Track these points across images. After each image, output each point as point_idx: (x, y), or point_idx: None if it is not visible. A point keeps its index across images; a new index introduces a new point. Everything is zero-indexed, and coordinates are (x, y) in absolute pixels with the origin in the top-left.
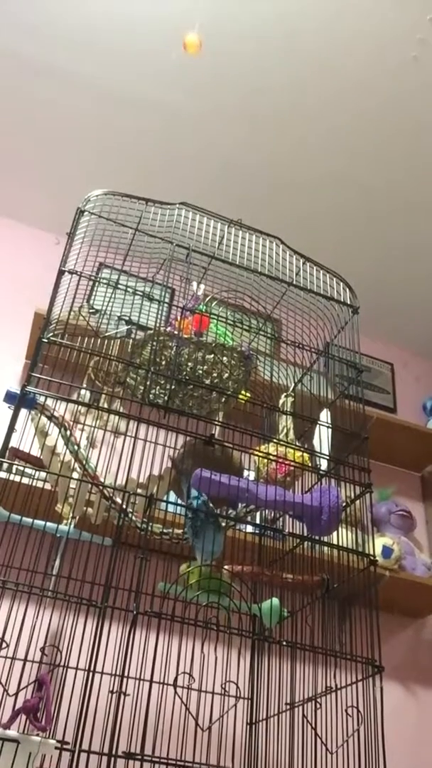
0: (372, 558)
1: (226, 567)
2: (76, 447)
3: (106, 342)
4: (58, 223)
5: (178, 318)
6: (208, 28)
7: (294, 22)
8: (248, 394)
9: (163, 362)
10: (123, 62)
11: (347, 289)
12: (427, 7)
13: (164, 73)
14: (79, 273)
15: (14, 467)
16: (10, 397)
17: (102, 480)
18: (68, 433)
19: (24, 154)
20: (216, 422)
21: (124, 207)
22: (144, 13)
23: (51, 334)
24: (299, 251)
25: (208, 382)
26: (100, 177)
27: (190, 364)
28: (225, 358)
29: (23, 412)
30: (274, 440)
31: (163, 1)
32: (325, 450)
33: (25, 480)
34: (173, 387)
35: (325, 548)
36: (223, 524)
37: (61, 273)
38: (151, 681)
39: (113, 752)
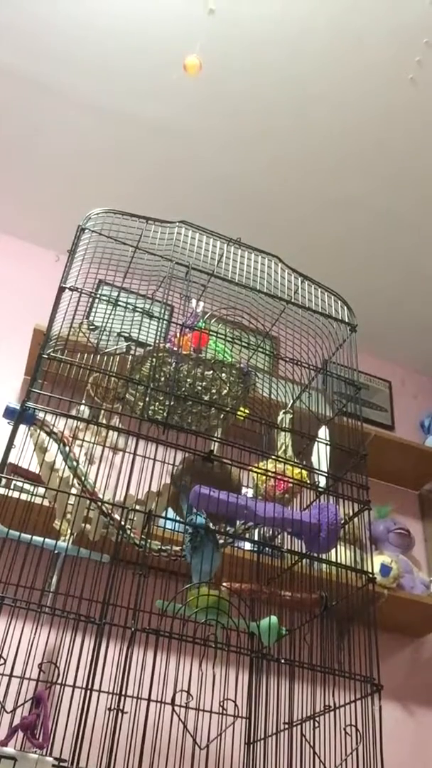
0: (370, 576)
1: (224, 584)
2: (74, 463)
3: (105, 358)
4: (58, 241)
5: (178, 335)
6: (209, 48)
7: (293, 42)
8: (247, 411)
9: (162, 378)
10: (123, 81)
11: (345, 307)
12: (424, 31)
13: (164, 92)
14: (79, 290)
15: (13, 483)
16: (9, 413)
17: (100, 496)
18: (67, 448)
19: (25, 171)
20: (215, 439)
21: (124, 225)
22: (144, 32)
23: (51, 350)
24: (298, 270)
25: (206, 398)
26: (100, 195)
27: (189, 380)
28: (224, 375)
29: (22, 427)
30: (273, 457)
31: (163, 20)
32: (324, 467)
33: (24, 496)
34: (172, 403)
35: (324, 566)
36: (222, 541)
37: (61, 290)
38: (149, 699)
39: None
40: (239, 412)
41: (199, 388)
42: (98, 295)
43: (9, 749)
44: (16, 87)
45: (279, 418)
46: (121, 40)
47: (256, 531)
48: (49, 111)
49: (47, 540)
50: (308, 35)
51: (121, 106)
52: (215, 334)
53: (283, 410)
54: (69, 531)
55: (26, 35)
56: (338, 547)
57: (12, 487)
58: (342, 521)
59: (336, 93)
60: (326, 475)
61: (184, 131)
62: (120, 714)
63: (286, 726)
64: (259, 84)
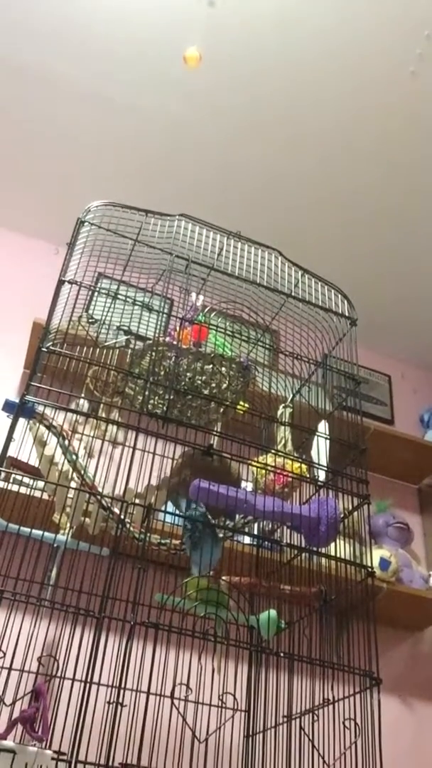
0: (369, 569)
1: (223, 578)
2: (74, 456)
3: (104, 352)
4: (57, 234)
5: (177, 328)
6: (209, 39)
7: (292, 33)
8: (246, 405)
9: (162, 372)
10: (123, 72)
11: (345, 301)
12: (425, 23)
13: (164, 82)
14: (78, 283)
15: (12, 476)
16: (8, 407)
17: (100, 490)
18: (66, 442)
19: (24, 164)
20: (214, 433)
21: (124, 218)
22: (145, 22)
23: (50, 343)
24: (298, 263)
25: (206, 392)
26: (100, 187)
27: (188, 374)
28: (224, 369)
29: (21, 421)
30: (273, 451)
31: (163, 12)
32: (323, 461)
33: (23, 489)
34: (172, 397)
35: (323, 560)
36: (221, 535)
37: (60, 283)
38: (148, 692)
39: (110, 763)
40: (239, 406)
41: (199, 382)
42: (98, 288)
43: (8, 742)
44: (13, 78)
45: (279, 412)
46: (121, 32)
47: (256, 525)
48: (47, 102)
49: (47, 533)
50: (308, 26)
51: (121, 97)
52: (215, 328)
53: (283, 404)
54: (68, 524)
55: (24, 26)
56: (337, 541)
57: (11, 480)
58: (341, 515)
59: (337, 85)
60: (326, 469)
61: (184, 123)
62: (119, 707)
63: (285, 719)
64: (258, 75)
